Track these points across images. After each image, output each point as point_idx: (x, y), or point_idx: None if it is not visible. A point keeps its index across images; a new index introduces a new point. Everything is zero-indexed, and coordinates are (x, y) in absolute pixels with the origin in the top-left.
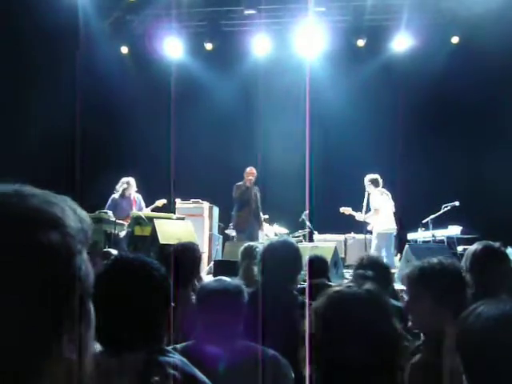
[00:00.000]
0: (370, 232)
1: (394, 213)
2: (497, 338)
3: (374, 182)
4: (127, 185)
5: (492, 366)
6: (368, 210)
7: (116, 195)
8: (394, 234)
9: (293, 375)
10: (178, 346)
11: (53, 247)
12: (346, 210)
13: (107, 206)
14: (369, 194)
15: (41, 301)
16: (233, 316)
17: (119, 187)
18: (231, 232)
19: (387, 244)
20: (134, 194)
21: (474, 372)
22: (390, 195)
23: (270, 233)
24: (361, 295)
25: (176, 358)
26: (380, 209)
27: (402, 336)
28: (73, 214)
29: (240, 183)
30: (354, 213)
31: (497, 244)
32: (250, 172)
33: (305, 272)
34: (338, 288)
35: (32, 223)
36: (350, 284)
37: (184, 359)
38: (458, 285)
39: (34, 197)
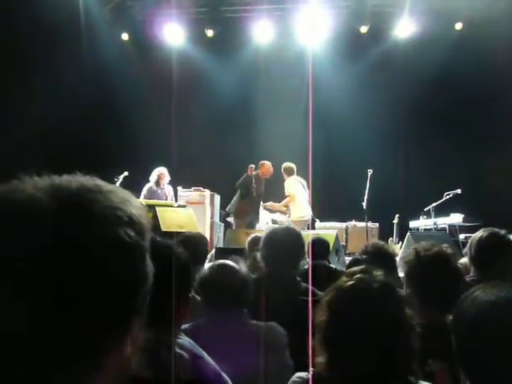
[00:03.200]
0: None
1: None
2: (489, 323)
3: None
4: (162, 175)
5: (483, 350)
6: None
7: (152, 184)
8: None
9: (286, 341)
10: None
11: (131, 244)
12: (271, 206)
13: (142, 194)
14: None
15: (114, 297)
16: (237, 307)
17: (153, 177)
18: (232, 220)
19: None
20: (166, 186)
21: (466, 355)
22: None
23: (270, 221)
24: (374, 288)
25: (185, 340)
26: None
27: (414, 328)
28: (141, 211)
29: (252, 174)
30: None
31: (502, 231)
32: (269, 168)
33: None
34: (350, 281)
35: (114, 220)
36: (362, 276)
37: (192, 342)
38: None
39: (112, 193)
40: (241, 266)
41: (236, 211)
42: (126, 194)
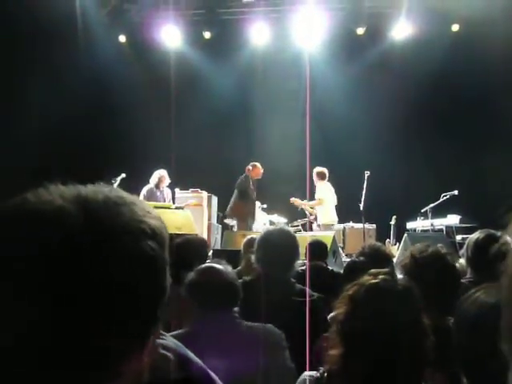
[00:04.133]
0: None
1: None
2: (490, 324)
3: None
4: (162, 177)
5: (483, 351)
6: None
7: (152, 186)
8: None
9: (285, 344)
10: (174, 332)
11: (155, 257)
12: (296, 201)
13: (142, 195)
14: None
15: (139, 310)
16: (226, 308)
17: (154, 179)
18: (230, 221)
19: None
20: (165, 188)
21: (466, 356)
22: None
23: (268, 222)
24: (398, 290)
25: (169, 340)
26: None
27: (429, 335)
28: (161, 222)
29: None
30: (301, 202)
31: (499, 233)
32: (260, 169)
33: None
34: (374, 280)
35: (138, 234)
36: (385, 277)
37: (177, 342)
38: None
39: (135, 206)
40: (226, 267)
41: (237, 212)
42: (146, 205)
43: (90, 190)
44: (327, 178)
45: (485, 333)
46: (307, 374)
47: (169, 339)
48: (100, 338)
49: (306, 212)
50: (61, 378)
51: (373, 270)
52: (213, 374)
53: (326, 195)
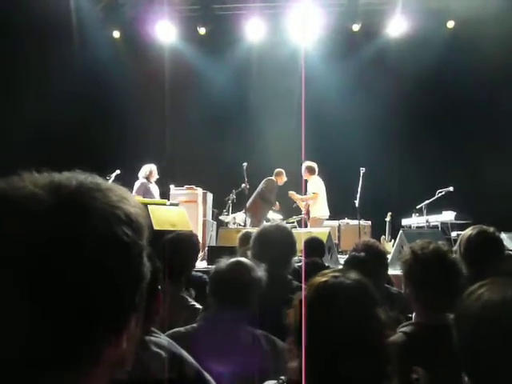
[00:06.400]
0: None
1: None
2: (493, 323)
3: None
4: (153, 172)
5: (488, 350)
6: None
7: (144, 181)
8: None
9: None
10: (182, 328)
11: (129, 243)
12: (293, 195)
13: (137, 190)
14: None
15: (113, 295)
16: (245, 305)
17: (144, 173)
18: (233, 218)
19: None
20: (154, 183)
21: (469, 355)
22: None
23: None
24: (348, 286)
25: (162, 338)
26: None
27: (385, 327)
28: (138, 209)
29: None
30: (298, 197)
31: (491, 229)
32: (284, 176)
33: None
34: (324, 278)
35: (112, 219)
36: (337, 274)
37: (171, 340)
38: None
39: (111, 191)
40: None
41: (256, 211)
42: (124, 191)
43: (64, 176)
44: (317, 173)
45: (491, 330)
46: (268, 383)
47: (162, 337)
48: (75, 323)
49: (301, 207)
50: (39, 364)
51: (324, 271)
52: (206, 374)
53: (320, 189)
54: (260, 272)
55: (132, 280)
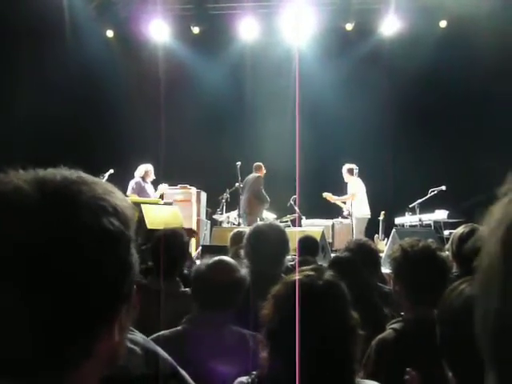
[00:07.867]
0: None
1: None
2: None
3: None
4: (149, 172)
5: (466, 345)
6: None
7: (139, 180)
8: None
9: None
10: (167, 331)
11: (116, 234)
12: (329, 196)
13: (131, 189)
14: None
15: (102, 285)
16: (229, 306)
17: (140, 173)
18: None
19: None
20: (149, 183)
21: (449, 348)
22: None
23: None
24: (317, 286)
25: (137, 335)
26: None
27: (355, 327)
28: (125, 201)
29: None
30: (334, 198)
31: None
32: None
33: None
34: (299, 276)
35: (98, 210)
36: (311, 273)
37: (145, 337)
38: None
39: (96, 185)
40: (236, 261)
41: (253, 210)
42: (110, 185)
43: (49, 171)
44: (356, 174)
45: (470, 325)
46: (239, 380)
47: (137, 334)
48: (65, 316)
49: (342, 207)
50: (32, 361)
51: (301, 268)
52: (182, 371)
53: (358, 190)
54: (242, 270)
55: (120, 270)
